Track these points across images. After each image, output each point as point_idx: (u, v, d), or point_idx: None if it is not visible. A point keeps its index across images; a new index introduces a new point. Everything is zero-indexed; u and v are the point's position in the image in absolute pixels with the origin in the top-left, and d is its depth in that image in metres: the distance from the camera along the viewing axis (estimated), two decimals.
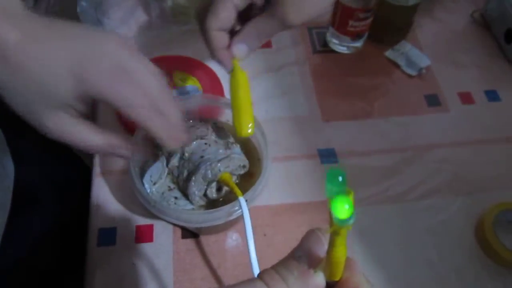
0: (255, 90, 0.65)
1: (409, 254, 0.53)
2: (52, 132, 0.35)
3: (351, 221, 0.19)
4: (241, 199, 0.43)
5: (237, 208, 0.44)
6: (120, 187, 0.55)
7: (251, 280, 0.22)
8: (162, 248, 0.52)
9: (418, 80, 0.68)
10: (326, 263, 0.22)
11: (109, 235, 0.52)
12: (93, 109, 0.63)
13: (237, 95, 0.43)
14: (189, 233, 0.53)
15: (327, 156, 0.59)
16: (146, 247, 0.52)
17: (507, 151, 0.61)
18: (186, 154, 0.47)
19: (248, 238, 0.41)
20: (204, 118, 0.53)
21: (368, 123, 0.63)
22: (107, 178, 0.56)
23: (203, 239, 0.52)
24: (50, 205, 0.57)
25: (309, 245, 0.23)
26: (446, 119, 0.64)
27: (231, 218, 0.45)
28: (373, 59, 0.70)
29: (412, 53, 0.69)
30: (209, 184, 0.47)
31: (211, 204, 0.48)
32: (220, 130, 0.51)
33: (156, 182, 0.48)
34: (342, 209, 0.19)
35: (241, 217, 0.44)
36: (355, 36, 0.67)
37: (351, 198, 0.19)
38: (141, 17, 0.72)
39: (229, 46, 0.43)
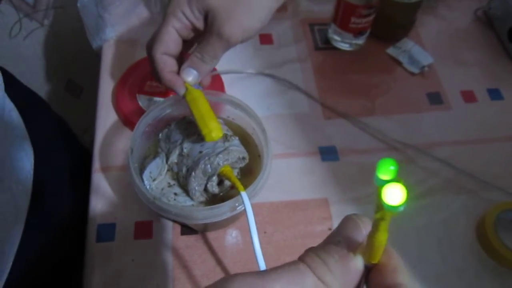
0: (257, 87, 0.65)
1: (410, 253, 0.52)
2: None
3: (402, 208, 0.20)
4: (243, 194, 0.42)
5: (238, 203, 0.44)
6: (119, 183, 0.55)
7: (294, 262, 0.23)
8: (161, 245, 0.51)
9: (420, 78, 0.68)
10: (367, 247, 0.23)
11: (108, 231, 0.52)
12: (92, 104, 0.63)
13: (197, 107, 0.45)
14: (189, 230, 0.52)
15: (328, 153, 0.59)
16: (145, 243, 0.51)
17: (510, 150, 0.61)
18: (185, 150, 0.47)
19: (252, 232, 0.40)
20: None
21: (370, 121, 0.62)
22: (106, 174, 0.56)
23: (203, 236, 0.52)
24: (67, 191, 0.57)
25: (348, 230, 0.24)
26: (448, 118, 0.64)
27: (233, 213, 0.44)
28: (375, 56, 0.70)
29: (415, 51, 0.69)
30: (209, 178, 0.46)
31: (211, 200, 0.48)
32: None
33: (155, 178, 0.48)
34: (394, 196, 0.20)
35: (241, 214, 0.43)
36: (357, 33, 0.67)
37: (403, 185, 0.20)
38: (142, 12, 0.72)
39: (178, 72, 0.46)
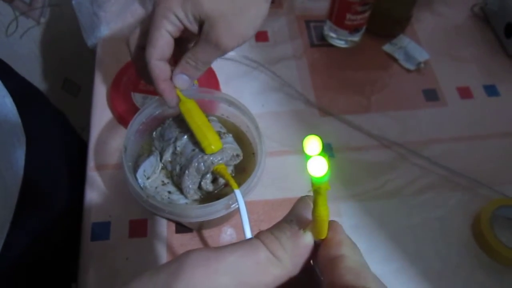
0: (251, 84, 0.65)
1: (406, 250, 0.52)
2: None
3: (326, 179, 0.21)
4: (237, 191, 0.42)
5: (232, 201, 0.44)
6: (114, 181, 0.55)
7: (249, 239, 0.25)
8: (156, 243, 0.51)
9: (416, 75, 0.68)
10: (312, 223, 0.25)
11: (102, 230, 0.52)
12: (90, 102, 0.62)
13: (193, 118, 0.45)
14: (184, 228, 0.52)
15: (324, 151, 0.59)
16: (140, 242, 0.51)
17: (506, 147, 0.61)
18: (178, 149, 0.47)
19: (245, 230, 0.40)
20: None
21: (366, 118, 0.62)
22: (101, 172, 0.56)
23: (198, 234, 0.52)
24: (63, 182, 0.58)
25: (299, 209, 0.26)
26: (444, 114, 0.64)
27: (227, 211, 0.44)
28: (371, 53, 0.70)
29: (411, 47, 0.68)
30: (203, 176, 0.46)
31: (205, 198, 0.48)
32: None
33: (149, 176, 0.48)
34: (318, 168, 0.21)
35: (236, 212, 0.43)
36: (353, 30, 0.67)
37: (325, 158, 0.21)
38: (137, 10, 0.72)
39: (170, 78, 0.45)
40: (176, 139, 0.47)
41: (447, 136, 0.61)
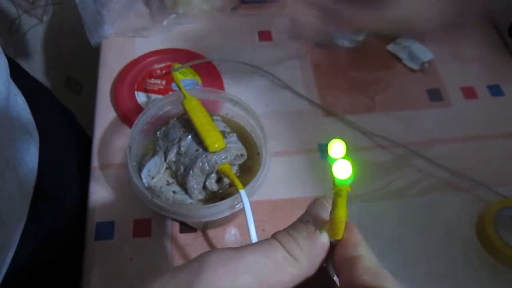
0: (255, 84, 0.65)
1: (409, 250, 0.52)
2: None
3: (350, 182, 0.22)
4: (242, 192, 0.42)
5: (237, 201, 0.44)
6: (118, 181, 0.55)
7: (267, 239, 0.25)
8: (160, 243, 0.51)
9: (420, 74, 0.67)
10: (330, 224, 0.25)
11: (107, 229, 0.52)
12: (92, 101, 0.62)
13: (198, 116, 0.46)
14: (188, 228, 0.52)
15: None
16: (144, 241, 0.51)
17: (510, 147, 0.61)
18: (182, 148, 0.47)
19: (250, 230, 0.40)
20: None
21: (369, 118, 0.62)
22: (105, 172, 0.56)
23: (202, 234, 0.52)
24: (73, 179, 0.58)
25: (315, 210, 0.27)
26: (448, 114, 0.64)
27: (232, 211, 0.44)
28: (375, 52, 0.69)
29: (415, 47, 0.68)
30: (207, 176, 0.46)
31: (210, 198, 0.48)
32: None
33: (154, 176, 0.48)
34: (343, 171, 0.22)
35: (240, 212, 0.43)
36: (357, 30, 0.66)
37: (350, 161, 0.22)
38: (140, 9, 0.71)
39: None
40: (180, 139, 0.47)
41: (451, 136, 0.61)
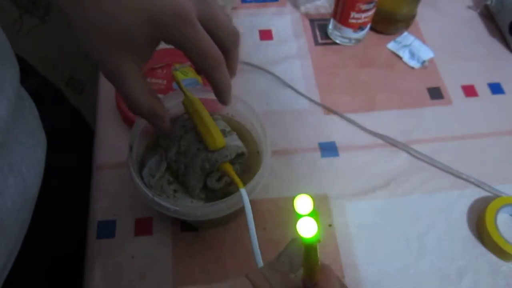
0: (256, 83, 0.65)
1: (410, 248, 0.52)
2: (109, 72, 0.37)
3: (316, 239, 0.21)
4: (242, 190, 0.42)
5: (237, 200, 0.44)
6: (119, 180, 0.55)
7: (239, 277, 0.25)
8: (161, 241, 0.51)
9: (421, 73, 0.67)
10: (303, 269, 0.25)
11: (108, 228, 0.52)
12: (94, 101, 0.63)
13: (199, 114, 0.45)
14: (189, 226, 0.52)
15: (328, 149, 0.59)
16: (145, 240, 0.51)
17: (511, 145, 0.61)
18: (183, 148, 0.47)
19: (250, 228, 0.40)
20: None
21: (370, 116, 0.62)
22: (106, 171, 0.56)
23: (203, 232, 0.52)
24: (84, 181, 0.58)
25: (291, 251, 0.27)
26: (449, 112, 0.64)
27: (232, 210, 0.45)
28: (376, 51, 0.70)
29: (415, 45, 0.68)
30: (208, 175, 0.47)
31: (211, 197, 0.48)
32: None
33: (155, 175, 0.48)
34: (308, 229, 0.21)
35: (241, 210, 0.43)
36: (357, 28, 0.67)
37: (316, 219, 0.21)
38: None
39: None
40: (180, 138, 0.48)
41: (451, 134, 0.61)
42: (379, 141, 0.60)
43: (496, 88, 0.66)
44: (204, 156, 0.45)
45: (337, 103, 0.63)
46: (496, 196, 0.55)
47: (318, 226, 0.21)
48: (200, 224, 0.52)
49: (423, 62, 0.67)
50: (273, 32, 0.71)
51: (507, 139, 0.61)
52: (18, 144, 0.45)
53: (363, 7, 0.63)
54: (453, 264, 0.52)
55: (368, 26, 0.68)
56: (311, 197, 0.22)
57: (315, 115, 0.62)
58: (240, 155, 0.48)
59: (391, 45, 0.69)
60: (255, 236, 0.40)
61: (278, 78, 0.65)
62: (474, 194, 0.56)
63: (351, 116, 0.62)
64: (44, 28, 0.95)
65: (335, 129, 0.61)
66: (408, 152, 0.59)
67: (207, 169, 0.45)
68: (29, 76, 0.52)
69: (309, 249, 0.23)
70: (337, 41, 0.70)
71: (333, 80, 0.66)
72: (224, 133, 0.47)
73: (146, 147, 0.51)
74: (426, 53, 0.68)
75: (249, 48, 0.68)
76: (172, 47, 0.38)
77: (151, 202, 0.45)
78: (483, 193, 0.56)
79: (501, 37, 0.72)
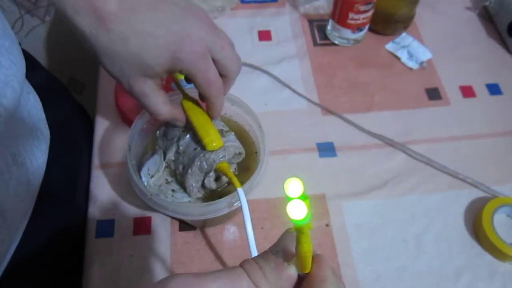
0: (254, 83, 0.65)
1: (407, 248, 0.53)
2: (135, 92, 0.41)
3: (306, 221, 0.21)
4: (240, 190, 0.43)
5: (235, 200, 0.44)
6: (118, 179, 0.56)
7: (233, 267, 0.25)
8: (160, 240, 0.52)
9: (419, 73, 0.68)
10: (296, 258, 0.25)
11: (107, 227, 0.52)
12: (93, 101, 0.63)
13: (196, 115, 0.47)
14: (187, 226, 0.53)
15: (326, 149, 0.59)
16: (144, 239, 0.52)
17: (508, 145, 0.61)
18: (181, 148, 0.47)
19: (247, 228, 0.41)
20: None
21: (368, 117, 0.63)
22: (105, 171, 0.56)
23: (201, 232, 0.53)
24: (85, 177, 0.59)
25: (285, 242, 0.26)
26: (447, 113, 0.64)
27: (230, 210, 0.45)
28: (374, 52, 0.70)
29: (413, 46, 0.69)
30: (206, 174, 0.47)
31: (209, 196, 0.49)
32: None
33: (153, 175, 0.48)
34: (298, 211, 0.21)
35: (239, 210, 0.44)
36: (356, 29, 0.67)
37: (307, 202, 0.21)
38: None
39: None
40: (179, 138, 0.48)
41: (449, 135, 0.62)
42: (377, 141, 0.60)
43: (494, 89, 0.67)
44: (202, 156, 0.45)
45: (335, 104, 0.64)
46: (493, 197, 0.55)
47: (308, 208, 0.21)
48: (198, 223, 0.52)
49: (422, 62, 0.67)
50: (272, 33, 0.71)
51: (504, 139, 0.61)
52: (22, 136, 0.46)
53: (362, 8, 0.63)
54: (450, 264, 0.52)
55: (367, 27, 0.68)
56: (301, 181, 0.22)
57: (313, 115, 0.63)
58: (237, 155, 0.48)
59: (390, 46, 0.70)
60: (253, 236, 0.40)
61: (276, 78, 0.66)
62: (471, 194, 0.57)
63: (349, 116, 0.62)
64: (45, 28, 0.95)
65: (333, 129, 0.61)
66: (406, 153, 0.59)
67: (205, 169, 0.46)
68: (34, 70, 0.53)
69: (300, 234, 0.23)
70: (336, 42, 0.70)
71: (332, 81, 0.66)
72: (222, 133, 0.47)
73: (145, 147, 0.51)
74: (425, 54, 0.68)
75: (248, 48, 0.69)
76: None
77: (149, 201, 0.45)
78: (480, 194, 0.56)
79: (500, 38, 0.72)
